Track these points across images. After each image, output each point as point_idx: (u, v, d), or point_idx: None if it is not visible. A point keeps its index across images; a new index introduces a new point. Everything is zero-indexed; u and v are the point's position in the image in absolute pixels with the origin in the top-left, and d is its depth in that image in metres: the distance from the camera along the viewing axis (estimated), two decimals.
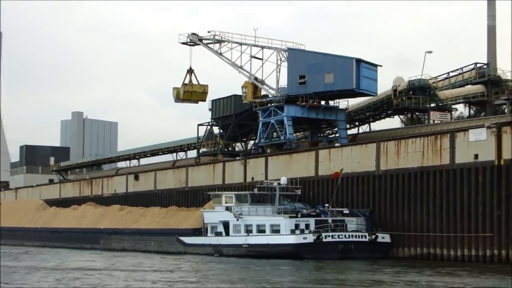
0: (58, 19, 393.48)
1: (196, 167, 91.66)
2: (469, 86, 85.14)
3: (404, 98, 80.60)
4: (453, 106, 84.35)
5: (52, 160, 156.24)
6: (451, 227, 58.56)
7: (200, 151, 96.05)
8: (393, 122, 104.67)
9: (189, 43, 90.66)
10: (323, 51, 79.00)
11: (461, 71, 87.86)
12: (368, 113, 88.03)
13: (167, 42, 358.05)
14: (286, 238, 61.19)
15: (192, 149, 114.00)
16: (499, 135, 55.83)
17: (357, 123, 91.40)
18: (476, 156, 57.27)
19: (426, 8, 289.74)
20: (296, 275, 47.35)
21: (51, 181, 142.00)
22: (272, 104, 79.49)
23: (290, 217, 62.97)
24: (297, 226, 62.22)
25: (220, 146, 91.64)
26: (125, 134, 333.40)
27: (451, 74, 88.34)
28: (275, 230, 63.23)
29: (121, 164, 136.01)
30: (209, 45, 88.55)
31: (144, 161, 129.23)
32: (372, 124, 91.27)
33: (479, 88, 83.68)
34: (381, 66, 77.39)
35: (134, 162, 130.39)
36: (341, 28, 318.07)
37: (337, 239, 60.11)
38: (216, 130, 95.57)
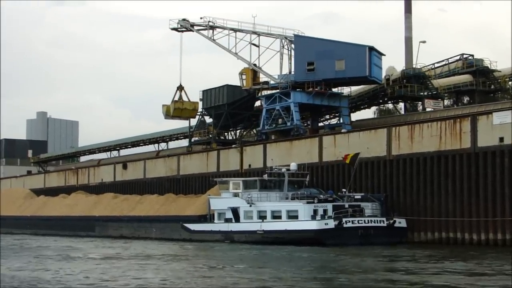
0: (24, 32, 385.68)
1: (188, 155, 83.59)
2: (456, 76, 78.68)
3: (400, 87, 73.60)
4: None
5: (30, 152, 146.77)
6: (473, 211, 51.74)
7: (192, 140, 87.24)
8: (367, 113, 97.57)
9: (179, 29, 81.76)
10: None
11: (447, 62, 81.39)
12: (359, 102, 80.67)
13: (120, 53, 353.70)
14: (306, 224, 53.22)
15: (175, 140, 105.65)
16: None
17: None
18: (501, 139, 50.60)
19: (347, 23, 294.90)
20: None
21: (29, 173, 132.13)
22: (278, 91, 71.44)
23: (308, 202, 55.21)
24: (315, 211, 54.36)
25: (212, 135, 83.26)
26: (85, 132, 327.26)
27: (436, 65, 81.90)
28: (292, 216, 55.20)
29: (101, 156, 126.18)
30: (202, 31, 79.91)
31: (124, 152, 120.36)
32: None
33: (467, 77, 77.39)
34: (385, 55, 70.41)
35: (115, 153, 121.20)
36: None
37: (357, 224, 52.68)
38: (207, 119, 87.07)
